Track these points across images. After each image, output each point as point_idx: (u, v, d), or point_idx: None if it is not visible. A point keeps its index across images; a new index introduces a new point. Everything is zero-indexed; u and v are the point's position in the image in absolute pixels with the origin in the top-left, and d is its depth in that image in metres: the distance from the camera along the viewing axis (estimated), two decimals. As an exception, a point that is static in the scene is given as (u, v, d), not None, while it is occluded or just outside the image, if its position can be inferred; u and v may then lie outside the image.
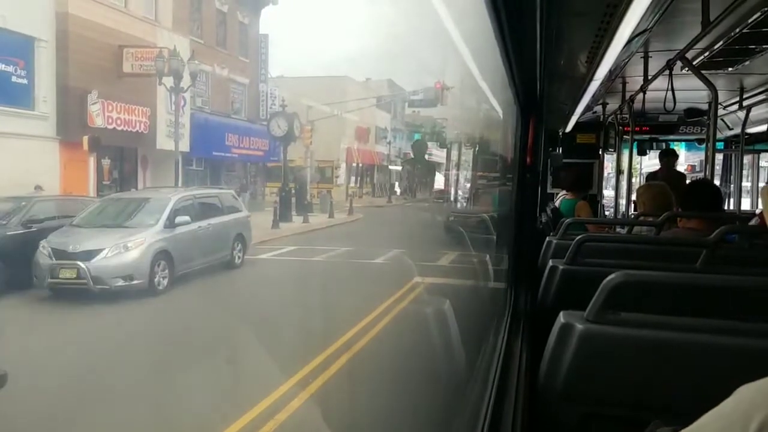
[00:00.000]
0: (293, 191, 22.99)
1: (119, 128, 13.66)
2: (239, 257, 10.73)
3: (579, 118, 7.21)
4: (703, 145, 7.55)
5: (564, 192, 6.74)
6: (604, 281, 1.52)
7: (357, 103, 27.37)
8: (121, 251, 7.88)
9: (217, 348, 6.76)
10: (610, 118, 7.80)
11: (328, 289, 9.95)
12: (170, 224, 8.77)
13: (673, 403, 1.41)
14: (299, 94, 24.49)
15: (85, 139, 11.29)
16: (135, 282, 7.68)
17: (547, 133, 6.59)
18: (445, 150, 37.53)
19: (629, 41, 3.34)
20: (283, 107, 20.84)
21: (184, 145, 15.82)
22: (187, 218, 9.11)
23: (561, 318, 1.56)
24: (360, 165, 34.03)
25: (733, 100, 6.42)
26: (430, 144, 36.89)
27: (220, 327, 7.40)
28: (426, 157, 36.05)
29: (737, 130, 7.42)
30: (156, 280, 8.14)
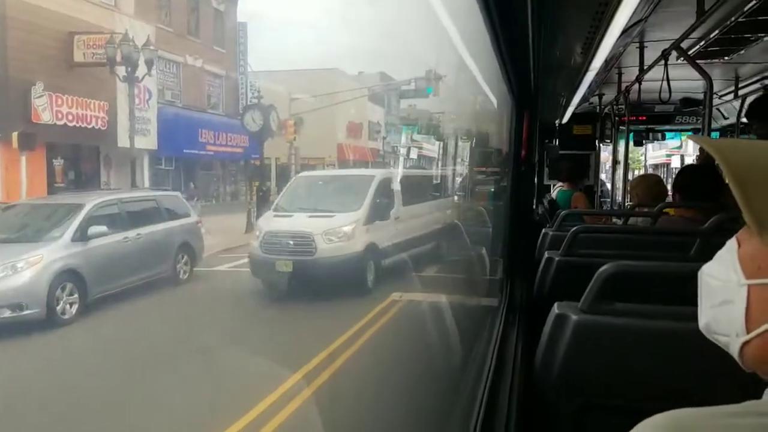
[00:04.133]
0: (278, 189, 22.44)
1: (71, 124, 12.12)
2: (184, 271, 9.03)
3: (575, 109, 7.22)
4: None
5: (560, 183, 6.77)
6: (598, 272, 1.54)
7: (348, 97, 26.80)
8: (8, 274, 6.38)
9: (134, 392, 5.24)
10: (606, 108, 7.82)
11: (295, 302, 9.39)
12: (81, 236, 7.16)
13: (668, 392, 1.42)
14: (282, 87, 23.47)
15: (15, 135, 9.44)
16: (27, 312, 6.15)
17: (542, 124, 6.61)
18: (438, 144, 37.19)
19: (625, 31, 3.35)
20: (258, 99, 19.35)
21: (151, 143, 14.59)
22: (102, 228, 7.52)
23: (555, 309, 1.58)
24: (355, 161, 33.26)
25: (728, 90, 6.44)
26: (421, 138, 36.32)
27: (145, 362, 5.95)
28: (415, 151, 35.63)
29: (733, 120, 7.44)
30: (59, 307, 6.54)
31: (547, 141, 7.80)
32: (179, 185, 17.33)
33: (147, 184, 14.05)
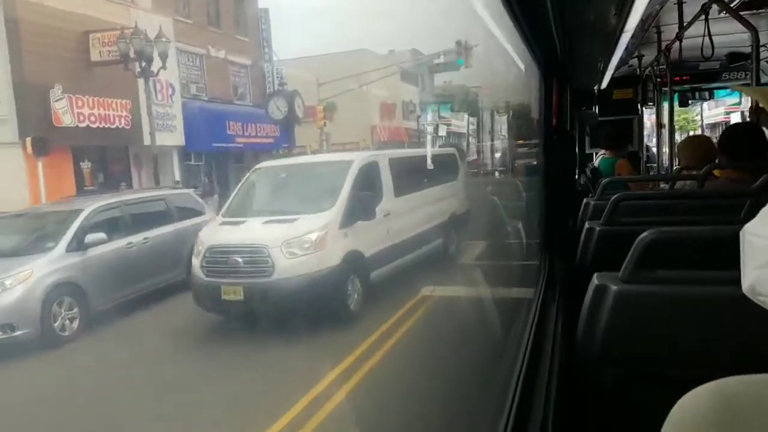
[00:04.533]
0: None
1: (94, 125, 11.78)
2: (200, 273, 8.29)
3: (614, 73, 7.03)
4: None
5: (603, 151, 6.60)
6: (637, 240, 1.49)
7: (378, 77, 25.55)
8: (-5, 292, 5.71)
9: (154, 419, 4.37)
10: (647, 70, 7.58)
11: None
12: (78, 246, 6.56)
13: (713, 360, 1.37)
14: (309, 73, 22.59)
15: (28, 141, 9.37)
16: (18, 333, 5.56)
17: (579, 91, 6.44)
18: (468, 119, 36.15)
19: (659, -13, 3.22)
20: (282, 86, 18.63)
21: (178, 139, 14.22)
22: (101, 236, 6.86)
23: (595, 280, 1.54)
24: (392, 142, 32.09)
25: (777, 41, 6.16)
26: (449, 114, 35.26)
27: (164, 379, 5.09)
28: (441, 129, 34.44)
29: None
30: (58, 324, 5.94)
31: (584, 108, 7.61)
32: (212, 180, 16.98)
33: (178, 180, 13.76)
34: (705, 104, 23.47)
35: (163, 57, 11.48)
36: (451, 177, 11.07)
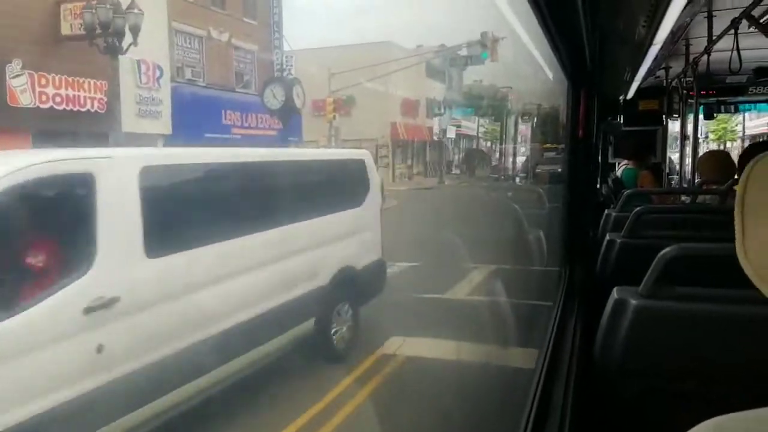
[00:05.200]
0: None
1: (60, 107, 10.13)
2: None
3: (641, 83, 6.99)
4: None
5: (626, 162, 6.57)
6: (659, 255, 1.50)
7: (400, 72, 23.96)
8: None
9: None
10: (673, 82, 7.53)
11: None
12: None
13: (731, 379, 1.38)
14: (321, 61, 21.05)
15: None
16: None
17: (605, 101, 6.41)
18: (484, 121, 34.84)
19: (690, 0, 3.20)
20: (281, 72, 16.77)
21: (164, 127, 12.58)
22: None
23: (615, 294, 1.55)
24: (410, 142, 30.62)
25: (806, 58, 6.09)
26: (459, 116, 33.74)
27: None
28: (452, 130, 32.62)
29: None
30: None
31: (610, 118, 7.57)
32: None
33: None
34: (747, 114, 22.64)
35: (135, 31, 9.53)
36: (351, 201, 6.70)
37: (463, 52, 24.37)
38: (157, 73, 12.68)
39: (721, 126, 36.27)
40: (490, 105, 32.91)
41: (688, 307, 1.47)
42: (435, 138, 31.93)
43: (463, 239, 9.00)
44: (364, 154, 7.46)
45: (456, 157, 35.52)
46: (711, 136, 37.53)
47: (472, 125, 35.19)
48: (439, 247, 9.31)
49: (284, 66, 17.76)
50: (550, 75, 3.11)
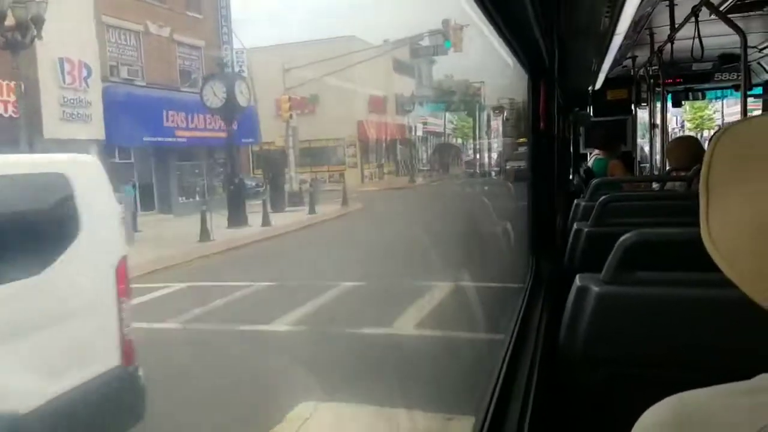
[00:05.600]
0: (269, 181, 17.51)
1: None
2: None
3: (608, 74, 7.06)
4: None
5: (597, 151, 6.64)
6: (618, 241, 1.53)
7: (368, 69, 23.23)
8: None
9: None
10: (640, 71, 7.62)
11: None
12: None
13: (696, 360, 1.40)
14: (274, 57, 20.14)
15: None
16: None
17: (572, 92, 6.47)
18: (450, 117, 34.19)
19: (650, -10, 3.25)
20: (221, 67, 15.49)
21: (95, 131, 11.36)
22: None
23: (577, 281, 1.57)
24: (380, 140, 29.32)
25: (767, 43, 6.21)
26: (426, 112, 33.08)
27: None
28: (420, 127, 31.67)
29: None
30: None
31: (578, 109, 7.64)
32: (149, 179, 13.99)
33: None
34: (725, 101, 22.18)
35: (37, 23, 9.06)
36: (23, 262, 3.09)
37: (426, 42, 23.49)
38: (84, 72, 11.41)
39: (698, 114, 36.19)
40: (462, 101, 32.31)
41: (649, 292, 1.49)
42: (406, 136, 31.08)
43: (431, 241, 8.51)
44: (69, 163, 3.74)
45: (427, 154, 34.69)
46: (688, 125, 37.30)
47: (440, 122, 34.47)
48: (402, 255, 8.63)
49: (235, 63, 16.84)
50: (514, 69, 3.14)
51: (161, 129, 13.85)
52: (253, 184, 17.94)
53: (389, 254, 9.25)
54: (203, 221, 10.99)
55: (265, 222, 13.60)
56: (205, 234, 10.94)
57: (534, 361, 1.63)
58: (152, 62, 14.41)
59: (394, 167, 30.81)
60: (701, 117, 35.69)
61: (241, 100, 13.38)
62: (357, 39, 24.17)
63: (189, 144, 14.70)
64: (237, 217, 12.90)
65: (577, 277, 1.59)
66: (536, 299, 2.22)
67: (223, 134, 14.53)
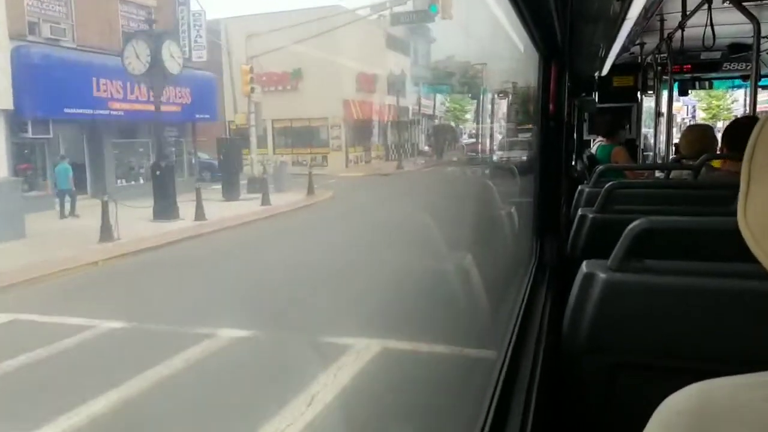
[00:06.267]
0: (221, 165, 15.13)
1: None
2: None
3: (615, 60, 7.01)
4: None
5: (600, 138, 6.61)
6: (627, 228, 1.51)
7: (355, 42, 21.37)
8: None
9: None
10: (648, 58, 7.57)
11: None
12: None
13: (702, 350, 1.39)
14: (235, 23, 18.51)
15: None
16: None
17: (579, 78, 6.42)
18: (442, 98, 33.07)
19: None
20: (150, 24, 12.78)
21: (3, 100, 9.15)
22: None
23: (583, 267, 1.55)
24: (369, 122, 27.36)
25: (779, 33, 6.15)
26: (426, 93, 32.12)
27: None
28: (413, 108, 29.91)
29: None
30: None
31: (584, 94, 7.59)
32: (82, 159, 12.01)
33: (4, 161, 9.26)
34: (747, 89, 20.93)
35: None
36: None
37: (409, 7, 20.78)
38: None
39: (715, 104, 34.54)
40: (462, 82, 31.22)
41: (658, 281, 1.47)
42: (397, 118, 29.17)
43: (412, 242, 6.08)
44: None
45: (422, 138, 33.14)
46: (703, 114, 35.15)
47: (433, 104, 33.27)
48: (357, 270, 6.58)
49: (192, 25, 14.73)
50: (523, 49, 3.10)
51: (90, 100, 11.59)
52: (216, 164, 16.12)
53: (335, 273, 6.82)
54: (105, 213, 8.71)
55: (199, 215, 10.98)
56: (107, 231, 8.68)
57: (538, 348, 1.61)
58: (86, 20, 12.13)
59: (384, 151, 29.10)
60: (718, 107, 34.35)
61: (172, 65, 11.18)
62: (341, 8, 21.61)
63: (130, 118, 12.43)
64: (164, 209, 10.60)
65: (584, 263, 1.57)
66: (539, 285, 2.20)
67: (175, 108, 12.58)
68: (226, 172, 14.79)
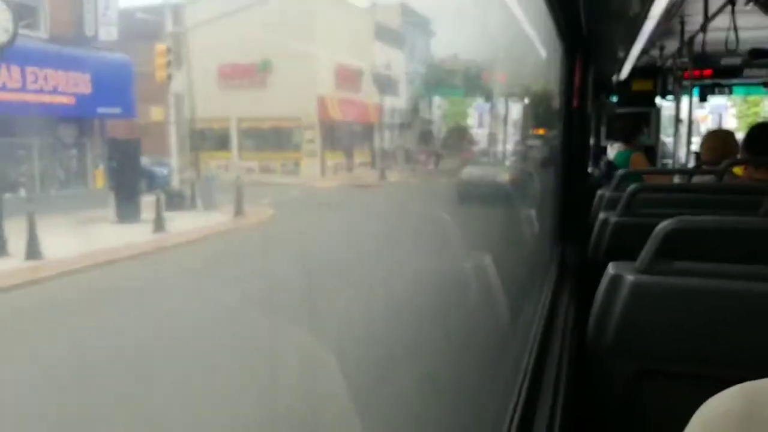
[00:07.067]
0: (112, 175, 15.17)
1: None
2: None
3: (635, 63, 6.96)
4: None
5: (618, 144, 6.55)
6: (657, 228, 1.46)
7: (331, 28, 22.10)
8: None
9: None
10: (668, 62, 7.50)
11: None
12: None
13: (731, 356, 1.34)
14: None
15: None
16: None
17: (598, 78, 6.37)
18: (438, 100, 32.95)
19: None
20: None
21: None
22: None
23: (610, 269, 1.50)
24: (352, 124, 28.05)
25: (804, 38, 6.07)
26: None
27: None
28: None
29: None
30: None
31: (603, 95, 7.53)
32: None
33: None
34: None
35: None
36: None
37: None
38: None
39: (752, 110, 33.11)
40: (468, 81, 30.83)
41: (687, 283, 1.42)
42: (386, 120, 29.53)
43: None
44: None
45: (416, 142, 33.11)
46: (735, 123, 33.93)
47: (430, 104, 32.84)
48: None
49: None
50: (543, 51, 3.05)
51: None
52: (165, 172, 15.10)
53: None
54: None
55: (32, 251, 7.47)
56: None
57: (563, 353, 1.57)
58: None
59: (370, 158, 28.91)
60: (755, 113, 33.15)
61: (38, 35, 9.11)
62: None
63: (14, 110, 11.29)
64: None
65: (610, 265, 1.52)
66: (562, 289, 2.15)
67: (66, 100, 10.86)
68: (120, 184, 13.79)
